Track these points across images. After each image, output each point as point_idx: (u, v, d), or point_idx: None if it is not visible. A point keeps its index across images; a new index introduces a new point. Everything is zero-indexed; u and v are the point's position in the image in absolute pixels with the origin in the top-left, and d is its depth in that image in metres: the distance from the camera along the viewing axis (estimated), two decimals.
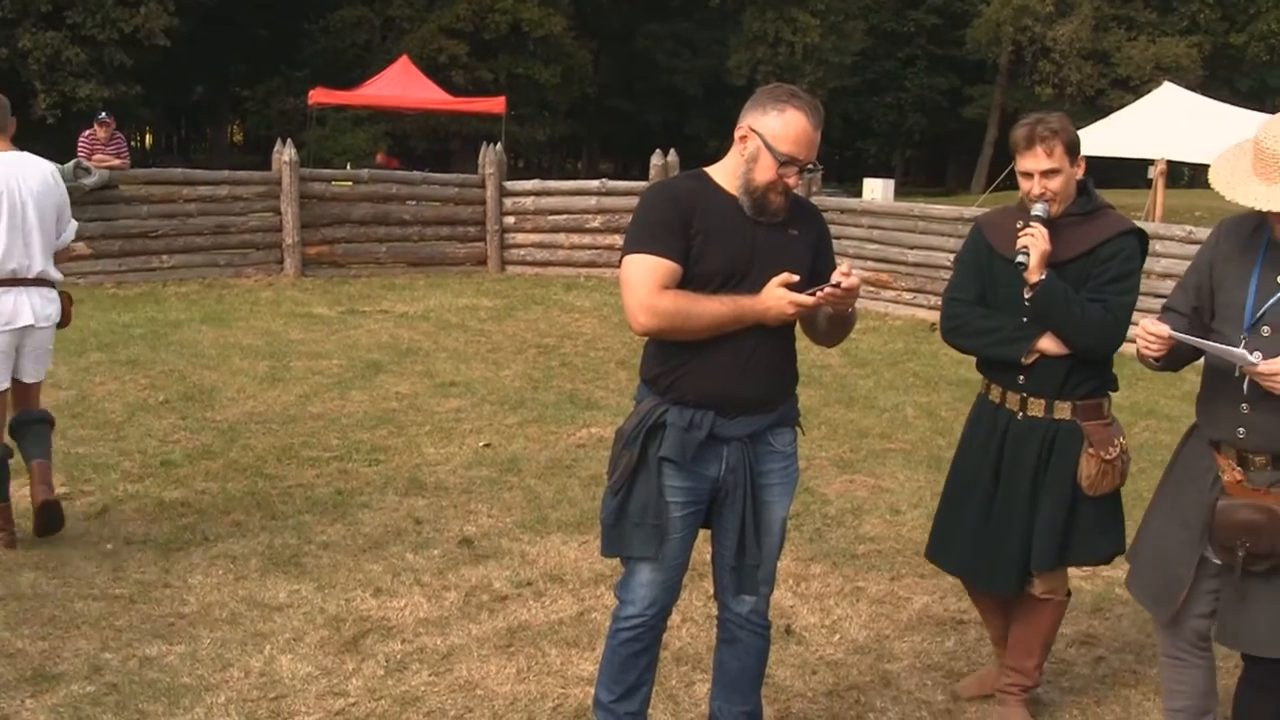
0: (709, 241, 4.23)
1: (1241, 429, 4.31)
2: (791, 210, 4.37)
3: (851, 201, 19.84)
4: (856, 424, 10.55)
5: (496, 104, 37.81)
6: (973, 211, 16.69)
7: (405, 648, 5.84)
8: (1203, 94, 33.74)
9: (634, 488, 4.35)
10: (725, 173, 4.36)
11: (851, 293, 4.18)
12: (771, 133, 4.21)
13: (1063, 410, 5.03)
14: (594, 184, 20.11)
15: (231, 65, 56.04)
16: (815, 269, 4.39)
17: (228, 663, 5.62)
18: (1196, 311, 4.43)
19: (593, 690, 4.81)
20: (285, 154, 17.75)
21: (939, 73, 65.12)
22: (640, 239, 4.25)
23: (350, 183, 19.49)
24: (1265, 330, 4.19)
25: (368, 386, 11.35)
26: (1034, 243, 4.83)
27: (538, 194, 19.84)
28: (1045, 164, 4.89)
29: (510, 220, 19.56)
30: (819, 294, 4.16)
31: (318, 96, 37.00)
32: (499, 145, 20.01)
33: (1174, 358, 4.40)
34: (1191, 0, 61.98)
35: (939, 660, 5.95)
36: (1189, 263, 4.69)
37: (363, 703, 5.30)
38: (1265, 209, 4.06)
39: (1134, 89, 51.41)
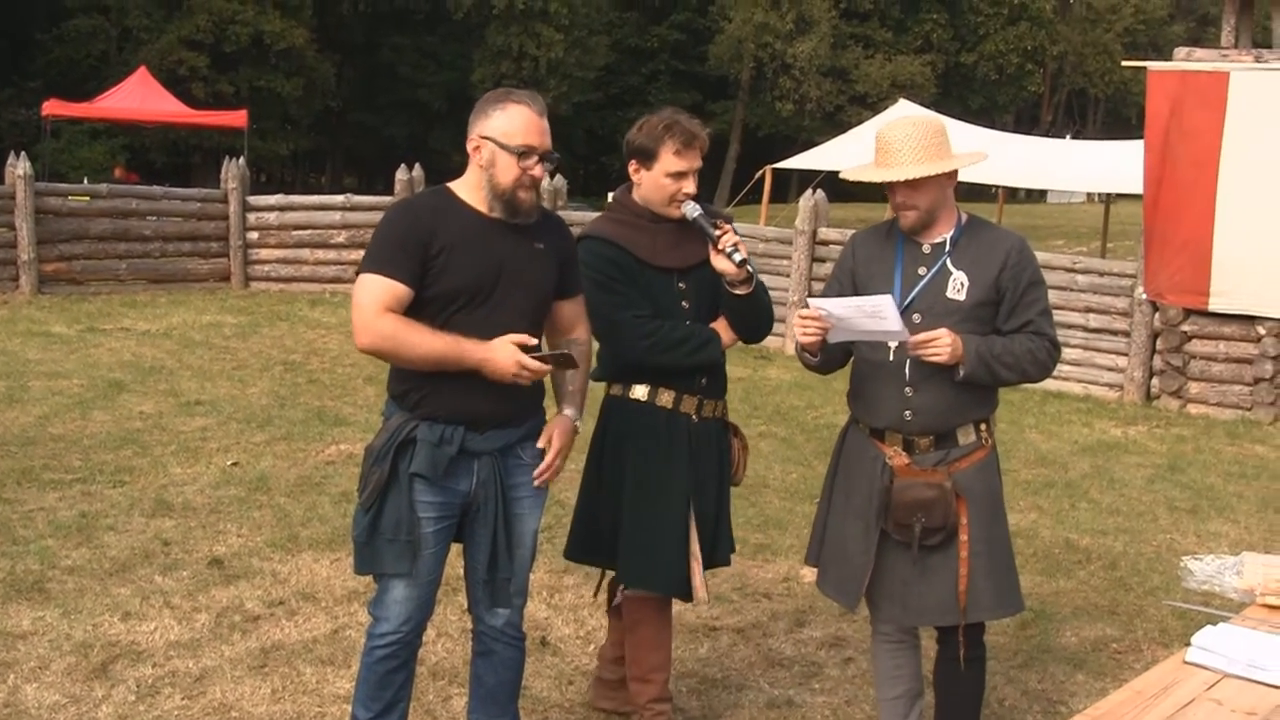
0: (453, 258, 4.28)
1: (908, 412, 4.58)
2: (539, 223, 4.46)
3: (597, 216, 19.92)
4: None
5: (238, 117, 37.11)
6: None
7: (156, 672, 5.76)
8: (936, 110, 34.68)
9: (385, 504, 4.37)
10: (468, 187, 4.43)
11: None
12: (500, 131, 4.30)
13: (721, 408, 5.13)
14: (338, 199, 19.91)
15: None
16: (561, 282, 4.52)
17: None
18: None
19: (350, 708, 4.82)
20: (19, 167, 17.15)
21: (682, 88, 65.71)
22: (375, 258, 4.29)
23: (88, 198, 18.98)
24: (916, 317, 4.54)
25: (110, 406, 11.10)
26: (740, 241, 4.78)
27: (281, 209, 19.57)
28: (698, 163, 4.85)
29: (254, 236, 19.25)
30: (547, 360, 4.29)
31: (52, 108, 35.83)
32: (241, 159, 19.66)
33: (828, 358, 4.71)
34: (925, 21, 64.06)
35: (693, 667, 6.10)
36: None
37: None
38: (882, 180, 4.49)
39: (872, 105, 52.84)
